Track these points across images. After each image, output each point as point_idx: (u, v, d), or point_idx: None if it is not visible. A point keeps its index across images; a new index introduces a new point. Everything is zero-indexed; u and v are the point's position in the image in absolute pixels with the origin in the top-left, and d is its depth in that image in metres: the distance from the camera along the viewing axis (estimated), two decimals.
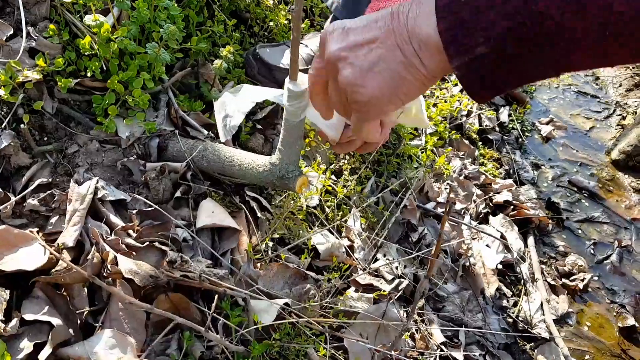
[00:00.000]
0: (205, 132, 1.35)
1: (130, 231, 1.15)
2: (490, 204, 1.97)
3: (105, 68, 1.24)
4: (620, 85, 2.96)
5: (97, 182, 1.16)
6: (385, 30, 0.69)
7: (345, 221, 1.55)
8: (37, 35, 1.22)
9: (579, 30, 0.57)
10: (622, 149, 2.40)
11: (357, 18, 0.73)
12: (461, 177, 1.99)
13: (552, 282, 1.80)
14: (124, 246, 1.09)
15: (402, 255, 1.58)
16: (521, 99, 2.64)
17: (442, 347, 1.38)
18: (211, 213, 1.24)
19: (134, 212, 1.19)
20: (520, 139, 2.43)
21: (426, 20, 0.65)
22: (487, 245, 1.79)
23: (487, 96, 0.67)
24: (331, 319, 1.17)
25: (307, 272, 1.28)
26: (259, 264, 1.27)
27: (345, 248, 1.45)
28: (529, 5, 0.57)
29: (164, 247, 1.13)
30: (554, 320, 1.67)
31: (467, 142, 2.17)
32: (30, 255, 1.01)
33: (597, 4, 0.54)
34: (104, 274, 1.03)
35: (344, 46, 0.71)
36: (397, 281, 1.45)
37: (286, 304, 1.10)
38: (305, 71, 1.07)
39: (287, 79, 0.95)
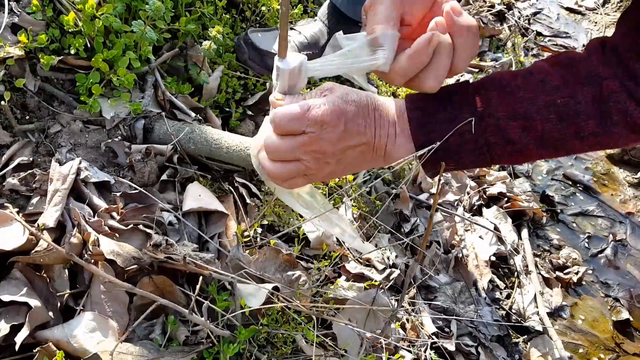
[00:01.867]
0: (193, 114, 1.32)
1: (114, 213, 1.11)
2: (484, 196, 1.94)
3: (89, 46, 1.21)
4: None
5: (80, 162, 1.12)
6: (368, 140, 0.81)
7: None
8: (20, 10, 1.19)
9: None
10: None
11: (354, 112, 0.81)
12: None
13: (546, 275, 1.78)
14: (106, 228, 1.05)
15: (393, 245, 1.55)
16: None
17: (434, 337, 1.35)
18: (198, 197, 1.21)
19: (118, 194, 1.16)
20: None
21: (404, 148, 0.82)
22: (480, 237, 1.76)
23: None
24: (320, 305, 1.14)
25: (298, 260, 1.25)
26: (247, 251, 1.24)
27: (335, 237, 1.42)
28: (491, 152, 0.79)
29: (148, 230, 1.10)
30: (547, 313, 1.64)
31: None
32: (9, 235, 0.98)
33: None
34: (86, 255, 1.00)
35: (341, 147, 0.80)
36: (388, 271, 1.42)
37: (275, 287, 1.07)
38: None
39: (276, 57, 0.92)
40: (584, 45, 2.88)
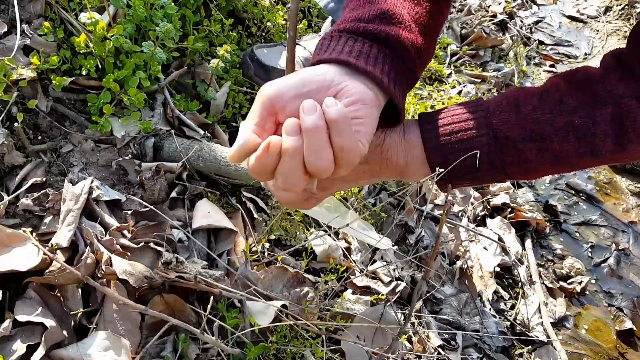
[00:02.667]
0: (202, 132, 1.34)
1: (125, 232, 1.13)
2: (488, 207, 1.96)
3: (100, 67, 1.23)
4: None
5: (92, 181, 1.14)
6: (377, 172, 0.82)
7: None
8: (31, 32, 1.21)
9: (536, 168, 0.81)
10: None
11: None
12: None
13: (550, 285, 1.79)
14: (118, 247, 1.07)
15: (399, 257, 1.57)
16: None
17: (440, 350, 1.37)
18: (207, 214, 1.23)
19: (129, 212, 1.18)
20: None
21: (417, 172, 0.82)
22: (484, 248, 1.78)
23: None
24: (328, 322, 1.15)
25: (305, 275, 1.27)
26: (255, 266, 1.26)
27: (342, 250, 1.44)
28: (506, 170, 0.79)
29: (159, 248, 1.11)
30: (551, 323, 1.66)
31: None
32: (23, 256, 1.00)
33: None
34: (98, 275, 1.02)
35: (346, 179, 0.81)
36: (394, 283, 1.44)
37: (284, 305, 1.09)
38: None
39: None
40: (586, 54, 2.91)
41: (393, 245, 1.58)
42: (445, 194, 0.83)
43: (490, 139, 0.78)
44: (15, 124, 1.14)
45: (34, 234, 1.07)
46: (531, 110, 0.79)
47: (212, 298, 0.97)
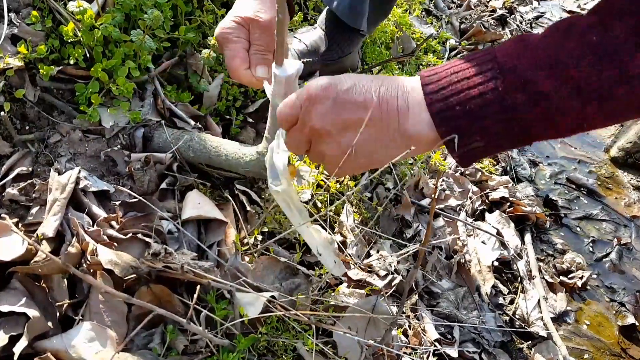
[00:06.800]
0: (193, 122, 1.32)
1: (113, 222, 1.12)
2: (487, 201, 1.93)
3: (89, 56, 1.21)
4: None
5: (79, 171, 1.13)
6: (375, 118, 0.74)
7: (338, 216, 1.52)
8: (19, 21, 1.19)
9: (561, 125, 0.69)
10: (621, 146, 2.37)
11: (349, 86, 0.76)
12: (457, 174, 1.96)
13: (550, 280, 1.77)
14: (105, 237, 1.05)
15: (395, 251, 1.55)
16: None
17: (436, 343, 1.35)
18: (197, 205, 1.21)
19: (118, 203, 1.16)
20: None
21: (418, 120, 0.73)
22: (483, 242, 1.75)
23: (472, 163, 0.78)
24: (319, 312, 1.13)
25: (298, 267, 1.25)
26: (247, 258, 1.24)
27: (337, 243, 1.42)
28: (520, 115, 0.68)
29: (147, 239, 1.09)
30: (551, 318, 1.63)
31: None
32: (8, 246, 0.98)
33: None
34: (84, 265, 1.00)
35: (330, 120, 0.76)
36: (390, 277, 1.41)
37: (273, 296, 1.07)
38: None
39: (273, 64, 0.93)
40: None
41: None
42: (463, 165, 0.77)
43: (495, 73, 0.68)
44: (2, 114, 1.12)
45: (20, 225, 1.05)
46: (540, 38, 0.70)
47: (198, 287, 0.95)
